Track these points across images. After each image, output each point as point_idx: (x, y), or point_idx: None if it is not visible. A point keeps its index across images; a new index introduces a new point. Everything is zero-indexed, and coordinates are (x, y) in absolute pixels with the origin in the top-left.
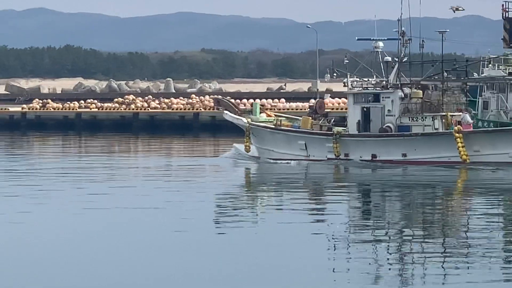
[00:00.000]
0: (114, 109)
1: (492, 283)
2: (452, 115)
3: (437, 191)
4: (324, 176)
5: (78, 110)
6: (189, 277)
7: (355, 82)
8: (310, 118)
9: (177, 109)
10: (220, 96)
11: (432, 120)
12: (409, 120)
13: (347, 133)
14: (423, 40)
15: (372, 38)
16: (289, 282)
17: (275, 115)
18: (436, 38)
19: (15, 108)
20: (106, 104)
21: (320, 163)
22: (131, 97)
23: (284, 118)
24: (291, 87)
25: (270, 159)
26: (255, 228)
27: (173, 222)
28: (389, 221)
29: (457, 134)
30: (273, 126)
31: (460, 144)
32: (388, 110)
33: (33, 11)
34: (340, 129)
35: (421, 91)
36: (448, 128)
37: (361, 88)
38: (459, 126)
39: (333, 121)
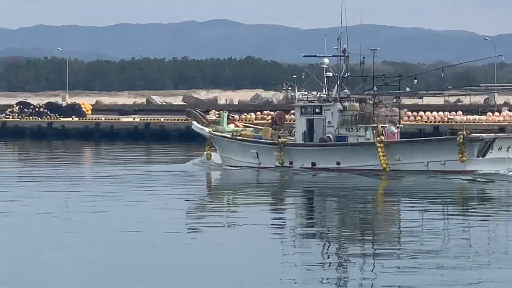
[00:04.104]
0: (290, 120)
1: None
2: (383, 127)
3: (356, 196)
4: (271, 181)
5: (254, 121)
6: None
7: (302, 96)
8: (270, 128)
9: None
10: (196, 109)
11: (365, 131)
12: (346, 131)
13: (289, 142)
14: (363, 57)
15: (317, 55)
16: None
17: (244, 126)
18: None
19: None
20: None
21: (269, 170)
22: None
23: (251, 128)
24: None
25: (229, 166)
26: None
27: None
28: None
29: (378, 144)
30: (229, 136)
31: (381, 153)
32: (329, 122)
33: (214, 22)
34: (285, 139)
35: (358, 104)
36: None
37: (307, 101)
38: (382, 136)
39: (293, 132)
